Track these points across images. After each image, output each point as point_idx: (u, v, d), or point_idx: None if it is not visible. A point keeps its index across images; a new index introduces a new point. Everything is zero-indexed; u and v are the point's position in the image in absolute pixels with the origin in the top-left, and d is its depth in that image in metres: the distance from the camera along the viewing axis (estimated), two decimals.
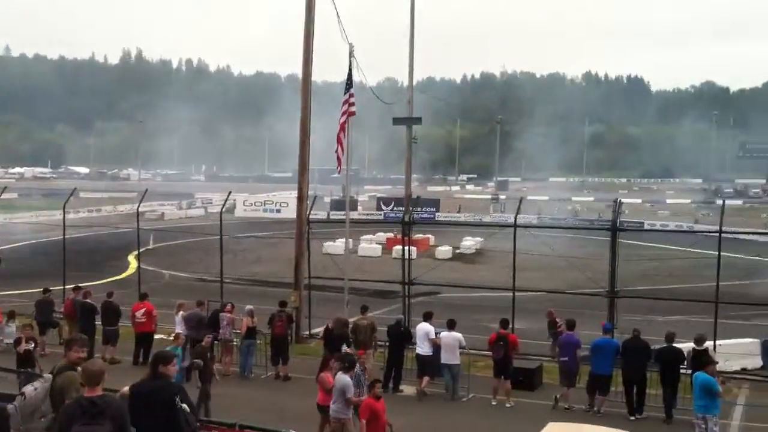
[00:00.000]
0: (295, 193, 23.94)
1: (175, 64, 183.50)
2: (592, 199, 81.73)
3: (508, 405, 15.32)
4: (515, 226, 20.41)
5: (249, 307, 17.76)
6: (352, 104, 20.06)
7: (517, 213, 21.69)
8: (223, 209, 28.38)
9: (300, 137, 21.19)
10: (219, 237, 24.04)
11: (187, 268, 34.57)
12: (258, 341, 17.59)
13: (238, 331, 17.76)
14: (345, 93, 20.30)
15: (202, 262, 34.78)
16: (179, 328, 17.38)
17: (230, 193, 31.91)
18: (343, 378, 11.44)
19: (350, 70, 20.21)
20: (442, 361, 15.79)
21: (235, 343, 17.85)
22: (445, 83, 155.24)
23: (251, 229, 47.79)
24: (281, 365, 17.23)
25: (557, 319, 18.00)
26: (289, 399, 15.05)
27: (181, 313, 17.94)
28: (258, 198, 69.79)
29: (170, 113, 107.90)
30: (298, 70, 21.84)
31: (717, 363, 14.40)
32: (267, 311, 17.84)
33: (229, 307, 18.11)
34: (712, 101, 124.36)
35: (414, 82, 43.98)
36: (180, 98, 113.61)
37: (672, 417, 14.54)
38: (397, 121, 43.09)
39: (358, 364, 12.29)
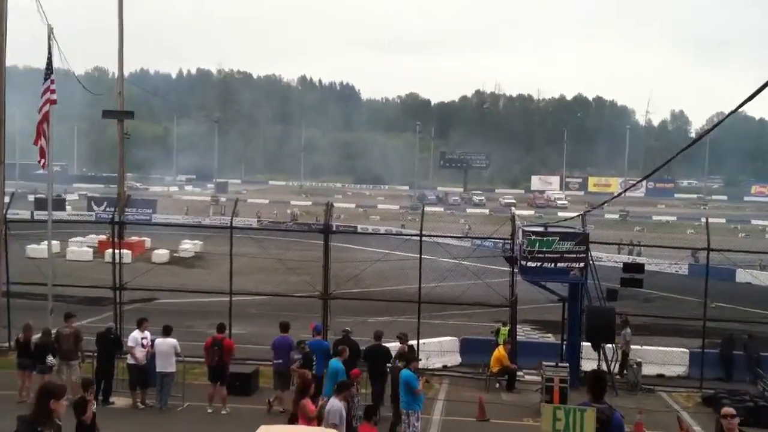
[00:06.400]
0: None
1: None
2: (310, 203, 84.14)
3: (224, 412, 15.29)
4: (231, 228, 20.48)
5: None
6: (53, 92, 18.81)
7: (233, 215, 21.74)
8: None
9: None
10: None
11: None
12: None
13: None
14: (45, 80, 19.00)
15: None
16: None
17: None
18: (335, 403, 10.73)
19: (50, 54, 18.98)
20: (157, 369, 15.33)
21: None
22: (159, 77, 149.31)
23: None
24: None
25: None
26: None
27: None
28: None
29: None
30: None
31: (420, 360, 15.61)
32: None
33: None
34: (415, 112, 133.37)
35: (126, 74, 41.95)
36: None
37: (379, 413, 15.42)
38: (107, 114, 40.86)
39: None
